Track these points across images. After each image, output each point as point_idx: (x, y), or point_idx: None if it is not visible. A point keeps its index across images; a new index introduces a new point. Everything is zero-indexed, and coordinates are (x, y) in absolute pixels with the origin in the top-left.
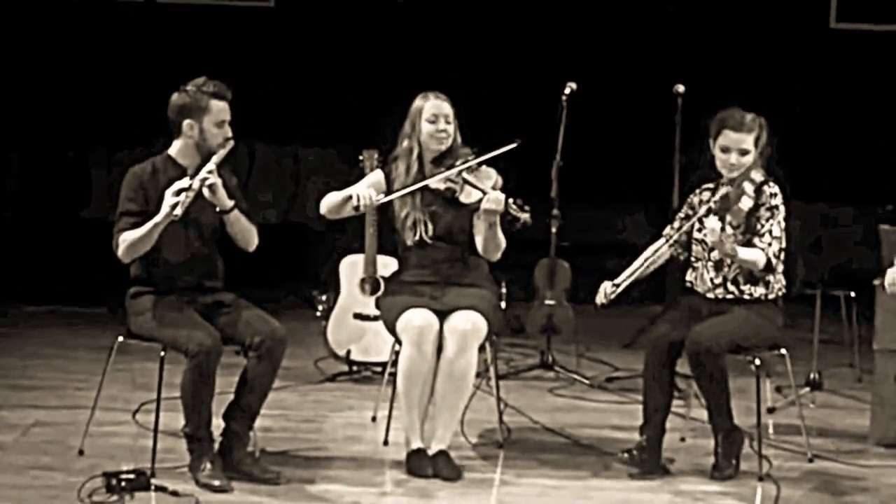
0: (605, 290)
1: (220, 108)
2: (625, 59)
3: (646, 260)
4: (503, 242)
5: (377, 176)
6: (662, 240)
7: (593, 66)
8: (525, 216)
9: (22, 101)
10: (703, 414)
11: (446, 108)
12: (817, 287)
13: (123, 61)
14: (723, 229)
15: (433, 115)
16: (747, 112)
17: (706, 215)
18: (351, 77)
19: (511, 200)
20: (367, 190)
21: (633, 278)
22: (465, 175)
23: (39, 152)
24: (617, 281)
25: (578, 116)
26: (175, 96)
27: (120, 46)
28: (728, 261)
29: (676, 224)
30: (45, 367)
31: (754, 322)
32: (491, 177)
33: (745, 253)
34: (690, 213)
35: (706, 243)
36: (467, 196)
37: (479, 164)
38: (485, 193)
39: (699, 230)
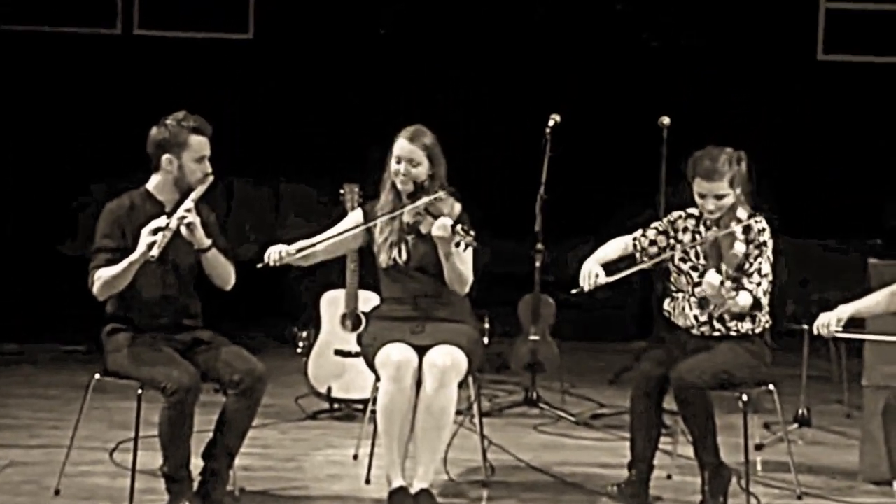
0: (595, 276)
1: (199, 143)
2: (609, 91)
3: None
4: (467, 275)
5: (356, 216)
6: (631, 245)
7: (577, 97)
8: (468, 239)
9: None
10: (691, 451)
11: (414, 151)
12: (805, 322)
13: (100, 94)
14: (722, 283)
15: (397, 156)
16: (722, 150)
17: (693, 261)
18: (332, 110)
19: (459, 227)
20: (280, 247)
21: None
22: (428, 207)
23: (13, 187)
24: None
25: (563, 149)
26: (154, 130)
27: (97, 79)
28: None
29: (651, 234)
30: (20, 406)
31: (741, 358)
32: (447, 205)
33: (741, 300)
34: (671, 232)
35: (691, 276)
36: (427, 227)
37: (434, 202)
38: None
39: (683, 260)
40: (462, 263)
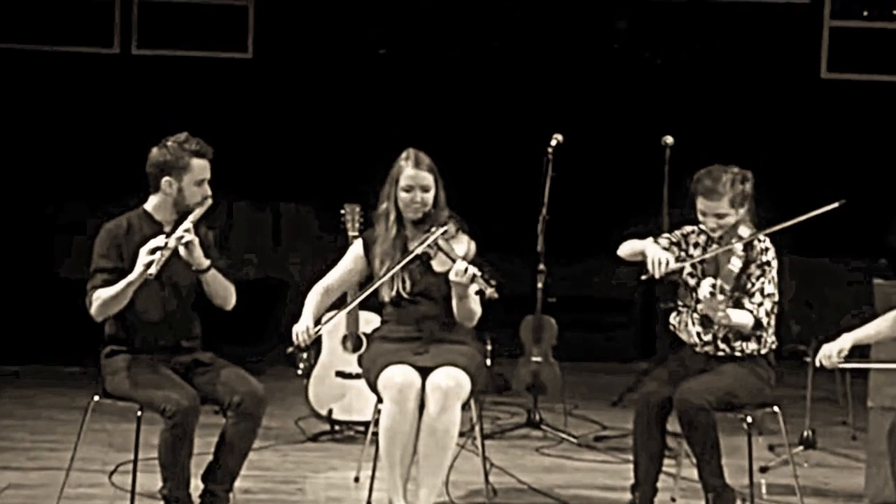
0: (666, 263)
1: (200, 167)
2: (612, 111)
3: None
4: (477, 311)
5: (356, 249)
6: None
7: (580, 117)
8: (490, 291)
9: None
10: (694, 473)
11: (424, 177)
12: (810, 343)
13: (99, 114)
14: (713, 295)
15: (408, 185)
16: (725, 170)
17: (699, 276)
18: (332, 130)
19: (479, 275)
20: (303, 325)
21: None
22: (439, 242)
23: (12, 208)
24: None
25: (565, 169)
26: (155, 151)
27: (95, 99)
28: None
29: (663, 242)
30: (18, 428)
31: (745, 379)
32: (462, 243)
33: (736, 317)
34: (684, 244)
35: (696, 291)
36: (440, 264)
37: (445, 236)
38: (454, 262)
39: (690, 275)
40: (474, 303)
